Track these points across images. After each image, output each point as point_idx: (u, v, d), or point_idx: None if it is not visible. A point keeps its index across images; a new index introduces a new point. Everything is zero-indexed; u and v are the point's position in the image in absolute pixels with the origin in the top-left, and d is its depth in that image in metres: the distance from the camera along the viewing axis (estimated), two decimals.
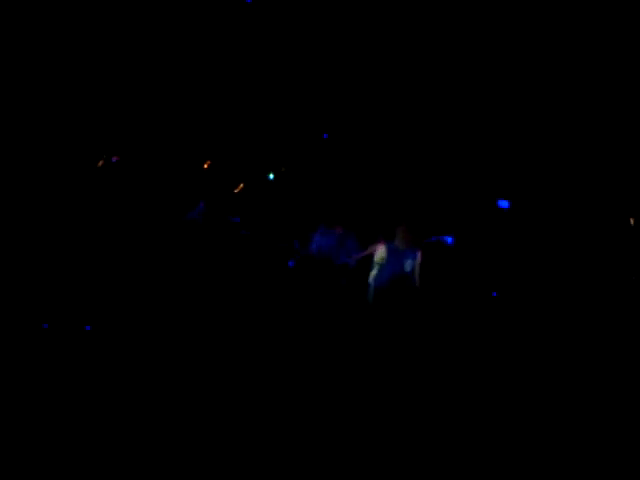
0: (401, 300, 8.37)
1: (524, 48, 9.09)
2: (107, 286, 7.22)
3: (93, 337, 6.04)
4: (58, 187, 8.37)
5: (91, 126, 9.04)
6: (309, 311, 7.85)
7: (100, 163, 9.07)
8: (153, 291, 7.32)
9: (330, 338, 6.81)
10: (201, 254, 8.43)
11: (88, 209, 8.32)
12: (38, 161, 8.45)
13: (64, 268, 7.42)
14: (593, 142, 9.61)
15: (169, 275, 7.83)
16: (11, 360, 5.28)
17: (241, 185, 10.36)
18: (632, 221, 9.67)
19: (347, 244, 8.98)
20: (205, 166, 10.26)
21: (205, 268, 8.21)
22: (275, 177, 10.38)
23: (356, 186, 10.30)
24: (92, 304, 6.73)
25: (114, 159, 9.09)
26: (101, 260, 7.75)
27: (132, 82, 9.04)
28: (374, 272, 8.59)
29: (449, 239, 9.23)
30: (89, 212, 8.31)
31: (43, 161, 8.50)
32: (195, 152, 10.09)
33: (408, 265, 8.59)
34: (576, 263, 9.38)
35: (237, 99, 9.72)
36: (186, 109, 9.49)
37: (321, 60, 9.45)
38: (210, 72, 9.20)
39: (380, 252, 8.61)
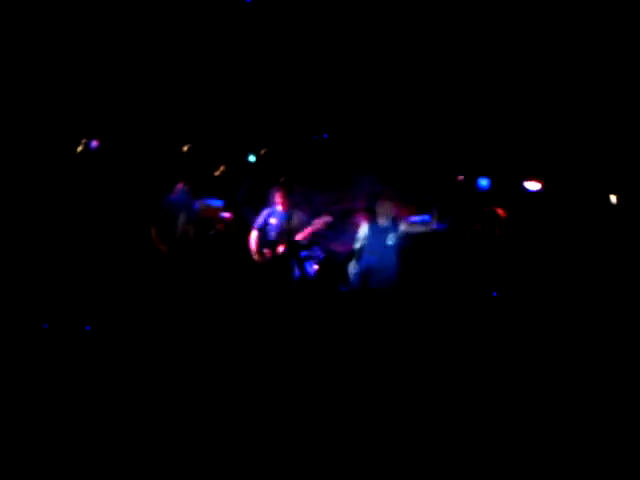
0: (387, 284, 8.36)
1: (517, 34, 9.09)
2: (104, 283, 7.17)
3: (93, 337, 6.01)
4: (43, 180, 8.29)
5: (69, 111, 8.93)
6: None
7: (80, 148, 8.98)
8: (147, 285, 7.28)
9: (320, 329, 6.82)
10: (187, 241, 8.39)
11: (74, 198, 8.25)
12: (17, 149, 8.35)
13: (62, 266, 7.35)
14: (593, 127, 9.66)
15: (160, 267, 7.79)
16: (11, 360, 5.25)
17: (222, 167, 10.29)
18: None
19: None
20: (185, 149, 10.16)
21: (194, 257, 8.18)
22: (256, 159, 10.32)
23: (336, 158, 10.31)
24: (92, 304, 6.68)
25: (94, 144, 9.00)
26: (94, 255, 7.69)
27: (111, 65, 8.91)
28: (357, 248, 8.53)
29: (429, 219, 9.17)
30: (75, 201, 8.23)
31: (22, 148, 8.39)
32: (175, 135, 9.99)
33: (390, 239, 8.57)
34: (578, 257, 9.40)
35: (216, 80, 9.62)
36: (166, 91, 9.37)
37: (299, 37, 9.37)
38: (191, 55, 9.09)
39: (362, 229, 8.59)
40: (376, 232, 8.52)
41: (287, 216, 8.72)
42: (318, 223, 8.70)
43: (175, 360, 5.38)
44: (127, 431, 4.30)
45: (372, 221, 8.59)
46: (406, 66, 9.53)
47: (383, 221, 8.56)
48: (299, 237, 8.69)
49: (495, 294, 8.93)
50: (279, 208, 8.79)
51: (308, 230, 8.70)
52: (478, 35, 9.16)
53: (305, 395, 5.09)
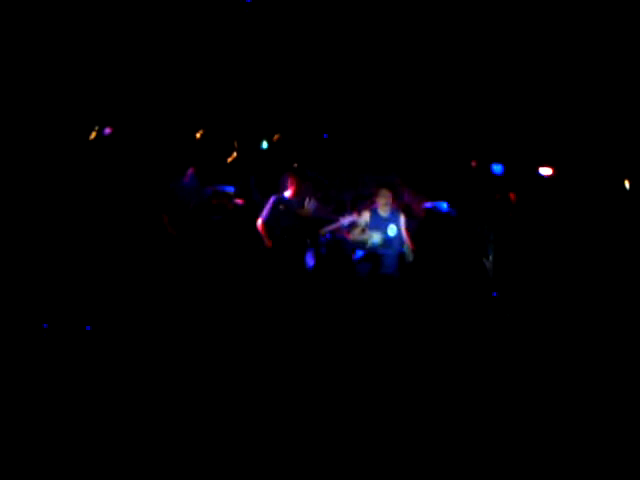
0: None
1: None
2: (105, 280, 7.19)
3: (93, 337, 6.03)
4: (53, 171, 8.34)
5: (82, 99, 8.98)
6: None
7: (93, 136, 9.03)
8: (151, 281, 7.27)
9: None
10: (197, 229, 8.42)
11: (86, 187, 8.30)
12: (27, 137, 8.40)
13: (62, 264, 7.38)
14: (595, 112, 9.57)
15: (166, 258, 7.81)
16: (11, 360, 5.28)
17: (234, 154, 10.32)
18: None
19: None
20: (198, 135, 10.19)
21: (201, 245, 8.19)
22: (268, 146, 10.33)
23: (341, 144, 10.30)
24: (92, 303, 6.69)
25: (107, 131, 9.05)
26: (98, 251, 7.70)
27: (124, 52, 8.94)
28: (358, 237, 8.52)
29: (445, 206, 9.17)
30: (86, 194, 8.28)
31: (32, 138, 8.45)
32: (188, 121, 10.02)
33: (391, 230, 8.56)
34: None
35: (229, 66, 9.63)
36: (179, 78, 9.39)
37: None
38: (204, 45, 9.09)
39: (364, 217, 8.58)
40: (378, 221, 8.51)
41: (297, 203, 8.75)
42: (342, 221, 8.73)
43: (179, 354, 5.39)
44: (127, 431, 4.31)
45: (374, 210, 8.59)
46: (420, 51, 9.48)
47: (383, 211, 8.55)
48: (324, 230, 8.77)
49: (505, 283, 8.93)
50: (288, 194, 8.81)
51: (334, 226, 8.76)
52: (491, 21, 9.09)
53: (307, 386, 5.11)
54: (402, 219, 8.64)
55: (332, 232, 8.99)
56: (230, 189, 9.02)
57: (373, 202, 8.72)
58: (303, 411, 4.82)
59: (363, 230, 8.58)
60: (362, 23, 9.05)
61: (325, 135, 10.16)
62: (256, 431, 4.52)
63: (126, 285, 7.07)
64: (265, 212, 8.74)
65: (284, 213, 8.69)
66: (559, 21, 9.00)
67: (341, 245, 8.95)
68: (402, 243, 8.52)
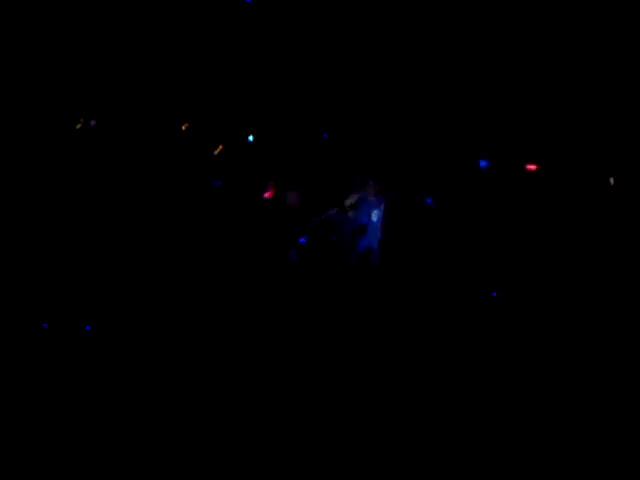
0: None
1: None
2: (102, 279, 7.12)
3: (93, 337, 5.97)
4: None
5: (67, 92, 8.86)
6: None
7: (78, 126, 8.91)
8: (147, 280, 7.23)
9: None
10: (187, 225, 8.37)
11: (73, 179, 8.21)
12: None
13: (60, 263, 7.30)
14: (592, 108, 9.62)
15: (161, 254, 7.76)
16: (11, 360, 5.21)
17: (220, 147, 10.24)
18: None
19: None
20: (183, 128, 10.11)
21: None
22: (255, 139, 10.26)
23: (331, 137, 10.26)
24: (92, 303, 6.62)
25: (92, 123, 8.94)
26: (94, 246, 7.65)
27: (108, 46, 8.83)
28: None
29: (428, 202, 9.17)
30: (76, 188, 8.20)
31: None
32: (173, 114, 9.94)
33: (374, 215, 8.57)
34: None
35: (215, 61, 9.55)
36: (165, 72, 9.30)
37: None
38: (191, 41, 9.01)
39: (351, 199, 8.58)
40: (364, 211, 8.52)
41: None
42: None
43: (177, 353, 5.36)
44: (127, 431, 4.28)
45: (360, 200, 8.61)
46: (403, 51, 9.48)
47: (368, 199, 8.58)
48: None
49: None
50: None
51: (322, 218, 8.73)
52: (475, 22, 9.11)
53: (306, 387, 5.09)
54: (383, 206, 8.66)
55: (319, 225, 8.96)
56: (217, 183, 8.96)
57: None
58: (303, 411, 4.80)
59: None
60: (343, 26, 9.05)
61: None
62: (255, 431, 4.51)
63: (117, 285, 7.01)
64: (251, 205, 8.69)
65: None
66: (543, 21, 9.05)
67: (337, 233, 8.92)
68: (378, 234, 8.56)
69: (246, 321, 6.71)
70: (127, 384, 4.88)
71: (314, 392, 5.09)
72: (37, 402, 4.43)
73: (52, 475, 3.74)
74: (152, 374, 5.07)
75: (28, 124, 8.55)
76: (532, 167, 10.28)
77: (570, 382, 5.90)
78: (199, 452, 4.06)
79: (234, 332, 6.32)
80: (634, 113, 9.46)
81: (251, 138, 10.37)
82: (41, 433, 4.09)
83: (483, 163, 10.38)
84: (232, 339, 6.07)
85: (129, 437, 4.11)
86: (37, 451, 3.85)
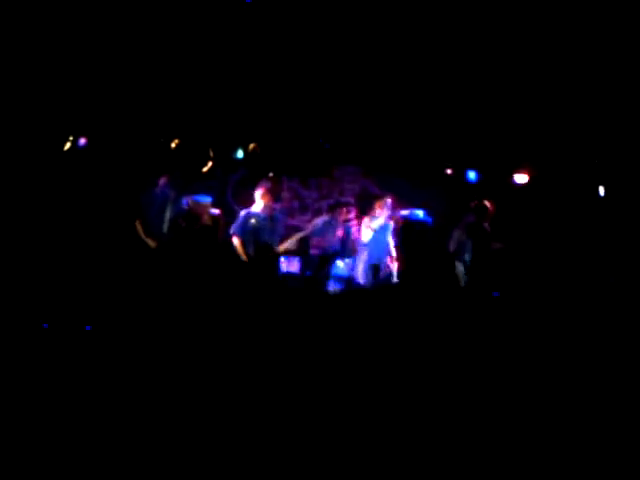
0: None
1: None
2: (97, 280, 7.15)
3: (93, 337, 5.98)
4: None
5: (57, 108, 8.89)
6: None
7: (67, 146, 8.98)
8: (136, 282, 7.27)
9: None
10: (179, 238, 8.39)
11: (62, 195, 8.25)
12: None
13: (56, 264, 7.32)
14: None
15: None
16: (11, 360, 5.21)
17: (210, 163, 10.27)
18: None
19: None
20: (173, 145, 10.14)
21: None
22: (244, 155, 10.31)
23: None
24: (92, 303, 6.63)
25: (82, 141, 8.99)
26: (86, 251, 7.68)
27: (99, 61, 8.87)
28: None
29: (421, 215, 9.21)
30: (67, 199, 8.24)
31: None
32: (163, 130, 9.97)
33: (388, 236, 8.72)
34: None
35: (205, 75, 9.58)
36: (155, 86, 9.33)
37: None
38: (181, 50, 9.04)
39: (366, 232, 8.67)
40: (378, 230, 8.62)
41: (268, 218, 8.72)
42: (290, 243, 8.79)
43: (174, 357, 5.36)
44: (127, 431, 4.28)
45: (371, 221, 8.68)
46: (393, 60, 9.52)
47: (382, 219, 8.67)
48: (281, 247, 8.76)
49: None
50: (259, 207, 8.73)
51: (284, 245, 8.77)
52: (464, 28, 9.15)
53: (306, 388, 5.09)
54: (391, 228, 8.79)
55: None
56: (207, 199, 8.96)
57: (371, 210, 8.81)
58: (303, 411, 4.81)
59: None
60: (331, 31, 9.10)
61: (320, 140, 10.15)
62: (254, 432, 4.51)
63: (117, 286, 7.06)
64: (237, 227, 8.69)
65: (257, 227, 8.67)
66: (531, 27, 9.10)
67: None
68: (387, 253, 8.66)
69: (246, 321, 6.74)
70: (127, 384, 4.91)
71: (314, 392, 5.11)
72: (37, 402, 4.45)
73: (52, 475, 3.75)
74: (152, 374, 5.10)
75: (25, 138, 8.62)
76: (523, 176, 10.35)
77: (570, 382, 5.94)
78: (199, 452, 4.07)
79: (234, 332, 6.35)
80: (633, 116, 9.53)
81: (241, 154, 10.43)
82: (41, 433, 4.10)
83: (473, 175, 10.46)
84: (232, 339, 6.10)
85: (129, 437, 4.13)
86: (37, 451, 3.87)
